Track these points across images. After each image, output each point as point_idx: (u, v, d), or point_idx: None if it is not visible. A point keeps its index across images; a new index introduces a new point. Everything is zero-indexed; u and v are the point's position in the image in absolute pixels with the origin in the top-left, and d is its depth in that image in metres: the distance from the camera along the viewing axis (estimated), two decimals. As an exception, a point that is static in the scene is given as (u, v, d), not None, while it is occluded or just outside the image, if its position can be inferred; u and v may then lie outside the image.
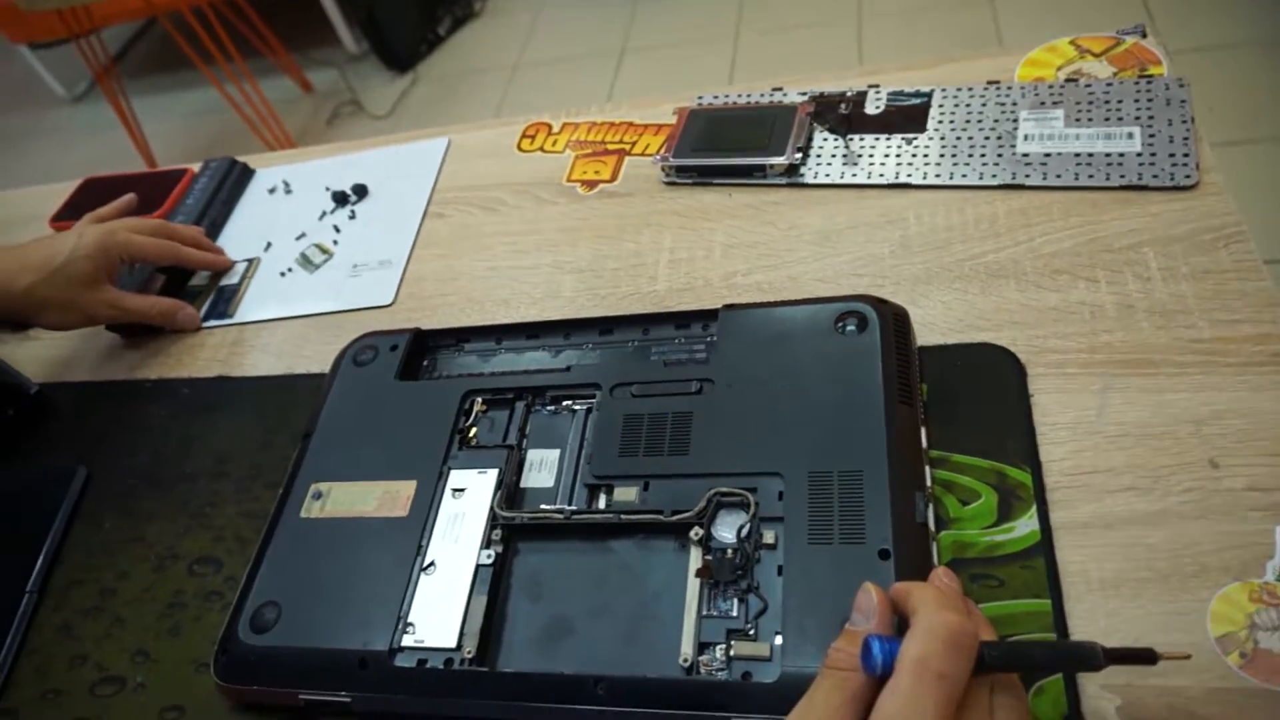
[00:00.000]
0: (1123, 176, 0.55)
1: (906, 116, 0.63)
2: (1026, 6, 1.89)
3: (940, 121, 0.62)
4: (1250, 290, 0.48)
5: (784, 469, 0.42)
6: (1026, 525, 0.42)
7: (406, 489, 0.47)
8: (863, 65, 0.65)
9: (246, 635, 0.44)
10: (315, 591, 0.45)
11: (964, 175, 0.58)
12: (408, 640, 0.42)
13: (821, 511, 0.40)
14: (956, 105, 0.62)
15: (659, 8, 2.34)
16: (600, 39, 2.31)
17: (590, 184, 0.68)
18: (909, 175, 0.60)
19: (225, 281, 0.71)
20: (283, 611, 0.45)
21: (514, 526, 0.45)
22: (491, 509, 0.46)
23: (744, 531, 0.41)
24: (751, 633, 0.39)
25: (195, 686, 0.48)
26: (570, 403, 0.50)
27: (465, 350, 0.55)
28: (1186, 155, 0.55)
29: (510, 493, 0.46)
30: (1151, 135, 0.56)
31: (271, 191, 0.78)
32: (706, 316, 0.51)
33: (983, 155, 0.59)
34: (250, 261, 0.73)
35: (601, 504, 0.45)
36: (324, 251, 0.71)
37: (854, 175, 0.61)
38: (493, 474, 0.47)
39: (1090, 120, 0.58)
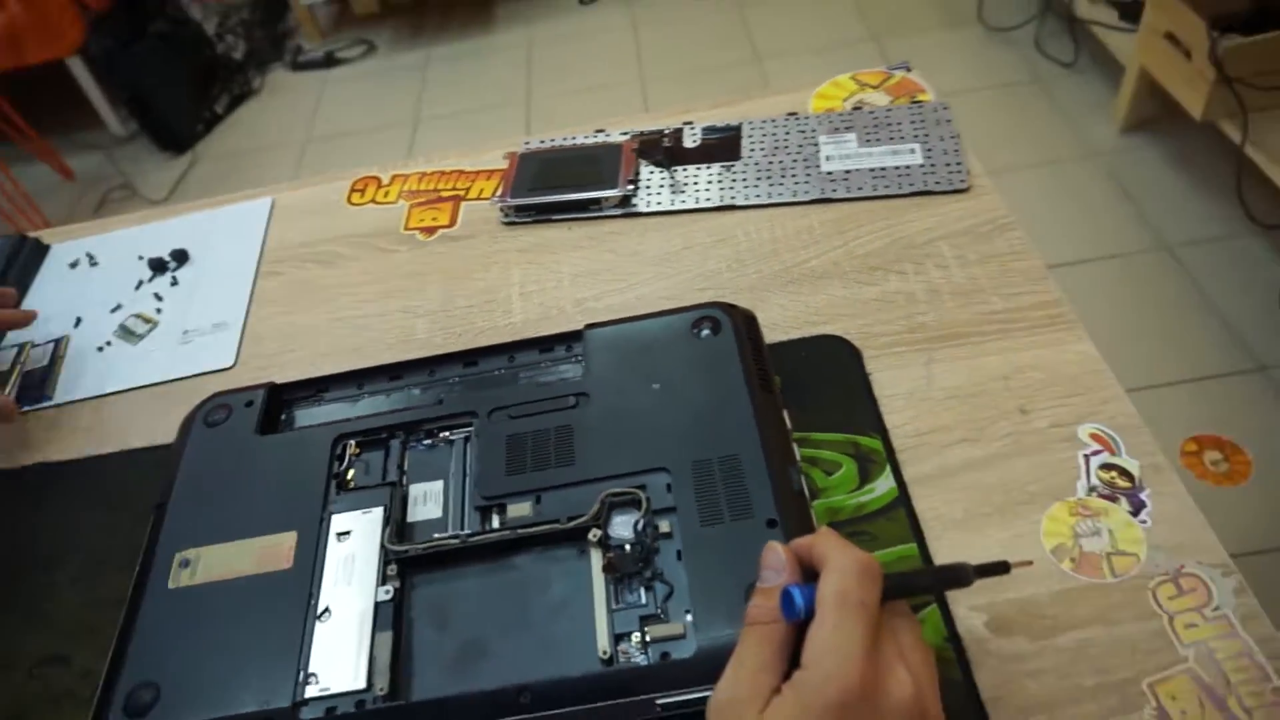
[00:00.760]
0: (912, 184, 0.63)
1: (721, 147, 0.69)
2: (790, 66, 2.09)
3: (752, 149, 0.68)
4: (1026, 268, 0.57)
5: (668, 464, 0.45)
6: (884, 484, 0.47)
7: (287, 540, 0.46)
8: (684, 91, 0.71)
9: (121, 721, 0.41)
10: (198, 662, 0.42)
11: (780, 194, 0.65)
12: (311, 691, 0.41)
13: (709, 496, 0.43)
14: (764, 135, 0.69)
15: (449, 76, 2.37)
16: (393, 110, 2.31)
17: (429, 230, 0.69)
18: (732, 198, 0.65)
19: (31, 365, 0.65)
20: (161, 690, 0.41)
21: (408, 559, 0.44)
22: (382, 545, 0.45)
23: (640, 526, 0.43)
24: (663, 616, 0.41)
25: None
26: (447, 434, 0.50)
27: (325, 400, 0.54)
28: (959, 164, 0.64)
29: (399, 527, 0.46)
30: (929, 150, 0.65)
31: (74, 265, 0.73)
32: (570, 338, 0.53)
33: (794, 175, 0.66)
34: (59, 341, 0.67)
35: (495, 523, 0.45)
36: (147, 321, 0.67)
37: (682, 201, 0.66)
38: (377, 512, 0.46)
39: (879, 140, 0.67)
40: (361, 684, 0.40)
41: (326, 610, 0.43)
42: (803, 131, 0.69)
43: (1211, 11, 1.38)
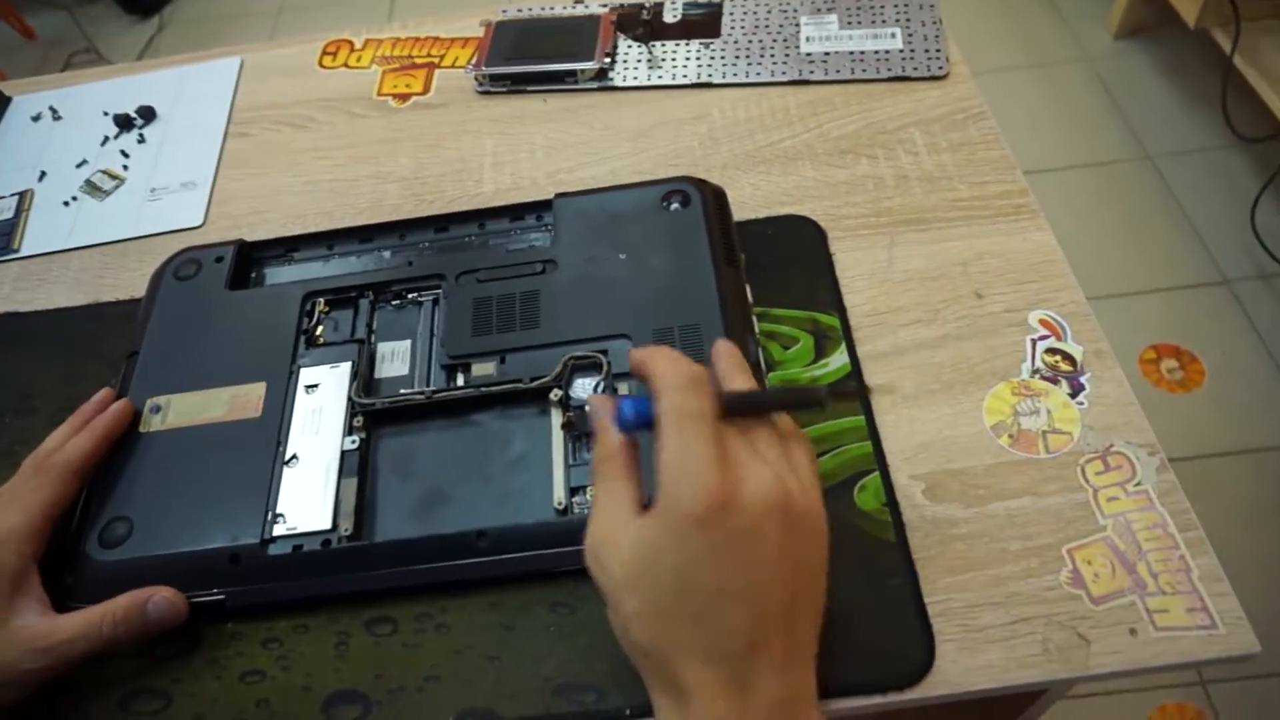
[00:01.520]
0: (890, 70, 0.63)
1: (702, 23, 0.68)
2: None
3: (732, 27, 0.67)
4: (995, 158, 0.57)
5: (630, 330, 0.46)
6: (839, 360, 0.49)
7: (256, 390, 0.47)
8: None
9: (96, 553, 0.43)
10: (169, 500, 0.44)
11: (758, 74, 0.64)
12: (279, 530, 0.43)
13: (668, 361, 0.45)
14: (745, 13, 0.68)
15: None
16: (370, -21, 2.21)
17: (403, 97, 0.68)
18: (709, 75, 0.65)
19: (-5, 217, 0.65)
20: (135, 525, 0.43)
21: (375, 412, 0.46)
22: (349, 398, 0.46)
23: (600, 388, 0.45)
24: (619, 471, 0.43)
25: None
26: (415, 295, 0.51)
27: (295, 259, 0.54)
28: (939, 51, 0.63)
29: (366, 382, 0.47)
30: (910, 35, 0.64)
31: (36, 119, 0.71)
32: (540, 207, 0.53)
33: (773, 56, 0.65)
34: (22, 194, 0.66)
35: (460, 382, 0.47)
36: (113, 178, 0.66)
37: (659, 77, 0.65)
38: (345, 367, 0.47)
39: (860, 23, 0.66)
40: (327, 524, 0.42)
41: (294, 457, 0.45)
42: (784, 11, 0.68)
43: (1217, -88, 1.34)
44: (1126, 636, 0.40)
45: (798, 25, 0.66)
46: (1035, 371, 0.48)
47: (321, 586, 0.42)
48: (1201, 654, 0.39)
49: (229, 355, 0.49)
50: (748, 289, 0.49)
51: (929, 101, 0.61)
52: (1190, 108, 1.57)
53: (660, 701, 0.33)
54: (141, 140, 0.68)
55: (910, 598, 0.41)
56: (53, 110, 0.72)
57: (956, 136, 0.59)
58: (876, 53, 0.64)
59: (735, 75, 0.64)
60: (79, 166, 0.67)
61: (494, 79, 0.66)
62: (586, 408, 0.38)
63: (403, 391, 0.46)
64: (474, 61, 0.67)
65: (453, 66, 0.69)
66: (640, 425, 0.35)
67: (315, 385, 0.47)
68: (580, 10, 0.70)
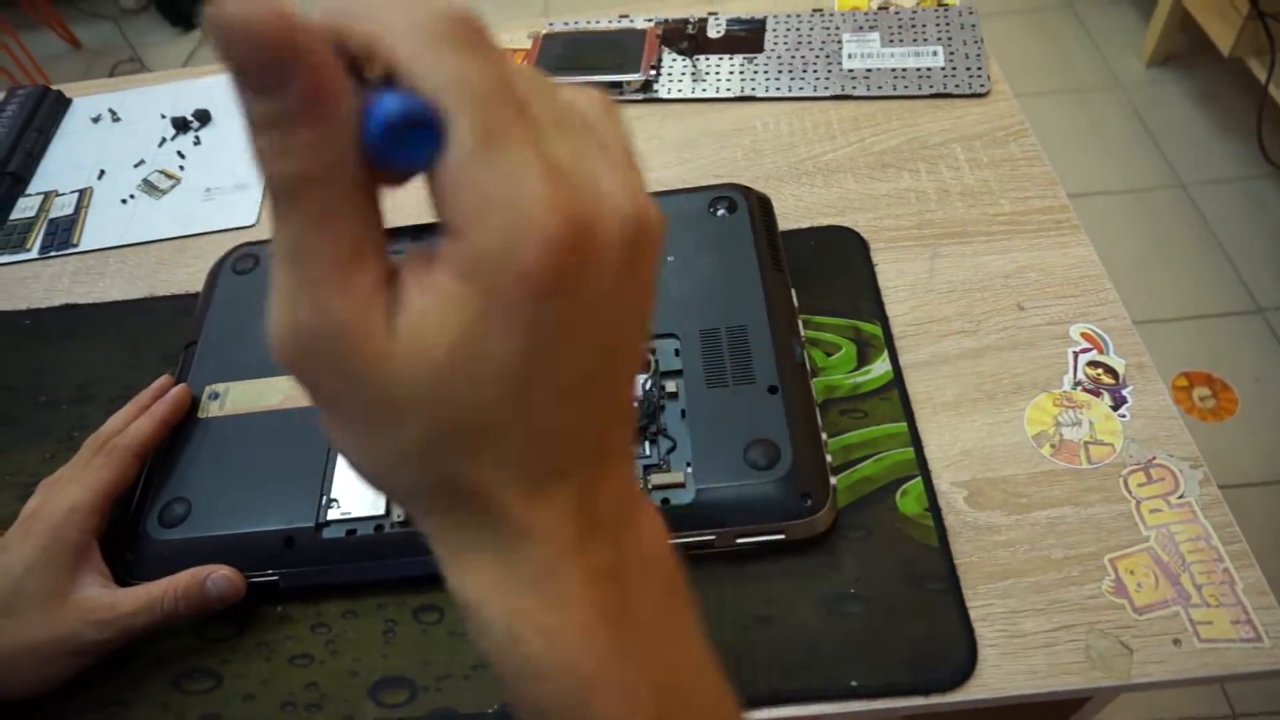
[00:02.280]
0: (931, 86, 0.64)
1: (745, 39, 0.69)
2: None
3: (775, 43, 0.69)
4: (1036, 174, 0.58)
5: (678, 330, 0.47)
6: (881, 367, 0.50)
7: (311, 381, 0.48)
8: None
9: (156, 531, 0.44)
10: (227, 483, 0.45)
11: (800, 88, 0.65)
12: (333, 514, 0.43)
13: (715, 361, 0.46)
14: (788, 30, 0.69)
15: (467, -33, 2.31)
16: (408, -3, 2.25)
17: (451, 104, 0.69)
18: (753, 89, 0.66)
19: (56, 213, 0.67)
20: (193, 506, 0.44)
21: (427, 405, 0.47)
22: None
23: (647, 385, 0.46)
24: (665, 466, 0.43)
25: (92, 601, 0.46)
26: (466, 293, 0.52)
27: (348, 257, 0.56)
28: (980, 69, 0.64)
29: (418, 376, 0.48)
30: (951, 53, 0.65)
31: (96, 120, 0.73)
32: (588, 210, 0.54)
33: (815, 71, 0.66)
34: (82, 192, 0.68)
35: (510, 377, 0.47)
36: (169, 177, 0.68)
37: (703, 90, 0.66)
38: (398, 361, 0.48)
39: (901, 41, 0.67)
40: (380, 510, 0.43)
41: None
42: (826, 28, 0.69)
43: (1253, -57, 1.35)
44: (1170, 647, 0.40)
45: (840, 42, 0.68)
46: (1077, 383, 0.49)
47: (373, 571, 0.43)
48: (1246, 667, 0.39)
49: (284, 347, 0.50)
50: (793, 293, 0.50)
51: (970, 118, 0.62)
52: (1224, 136, 1.57)
53: (461, 553, 0.21)
54: (197, 142, 0.70)
55: (952, 602, 0.42)
56: (112, 112, 0.74)
57: (998, 152, 0.59)
58: (918, 70, 0.65)
59: (778, 89, 0.65)
60: (137, 166, 0.69)
61: (542, 89, 0.68)
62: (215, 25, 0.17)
63: (453, 385, 0.47)
64: (522, 71, 0.69)
65: (501, 76, 0.71)
66: (399, 138, 0.17)
67: (368, 378, 0.48)
68: (626, 24, 0.72)
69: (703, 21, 0.71)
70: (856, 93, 0.64)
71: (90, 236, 0.65)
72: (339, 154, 0.17)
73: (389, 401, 0.19)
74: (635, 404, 0.25)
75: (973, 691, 0.39)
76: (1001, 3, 1.87)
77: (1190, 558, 0.43)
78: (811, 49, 0.68)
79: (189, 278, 0.61)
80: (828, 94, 0.65)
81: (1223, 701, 1.03)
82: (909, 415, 0.48)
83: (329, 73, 0.17)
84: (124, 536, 0.44)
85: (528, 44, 0.71)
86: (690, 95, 0.66)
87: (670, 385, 0.46)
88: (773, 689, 0.40)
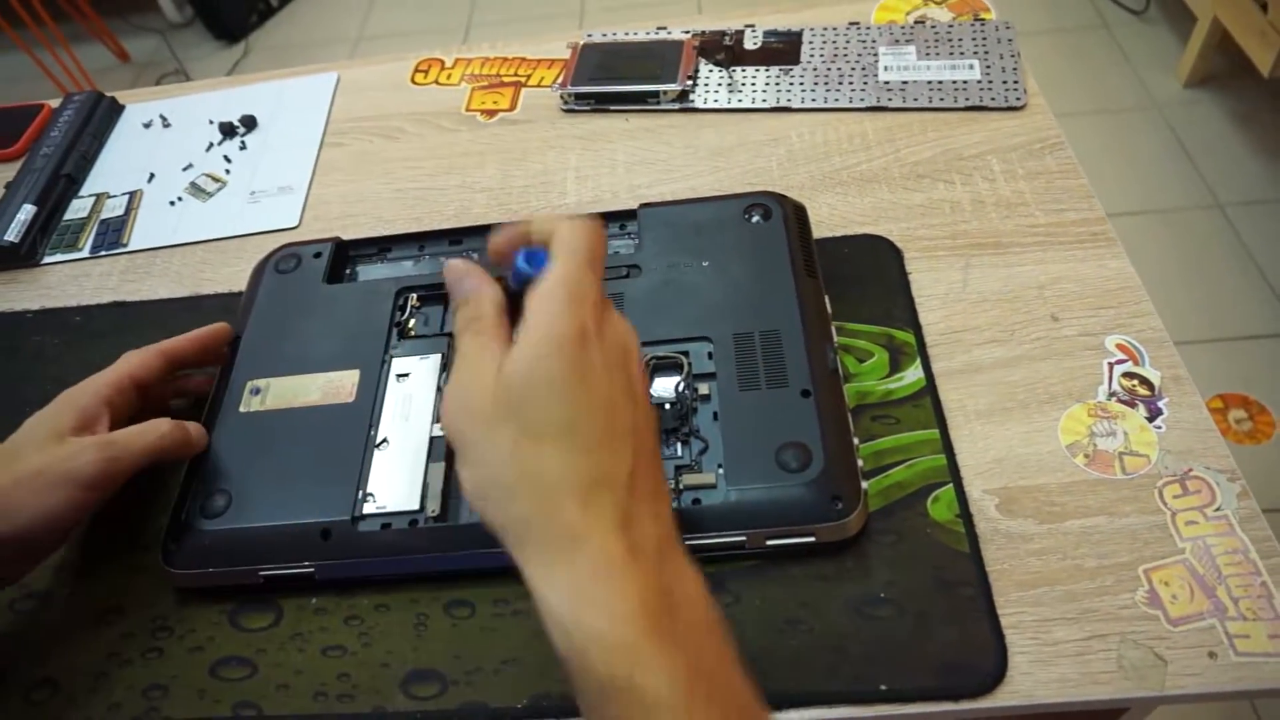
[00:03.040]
0: (967, 99, 0.64)
1: (782, 51, 0.70)
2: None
3: (811, 55, 0.69)
4: (1072, 186, 0.58)
5: (711, 333, 0.47)
6: (914, 374, 0.50)
7: (350, 378, 0.49)
8: (738, 8, 0.72)
9: (198, 522, 0.45)
10: (267, 476, 0.46)
11: (836, 99, 0.66)
12: (369, 508, 0.44)
13: (748, 365, 0.46)
14: (824, 42, 0.70)
15: (503, -17, 2.35)
16: (446, 14, 2.29)
17: (490, 113, 0.71)
18: (788, 100, 0.66)
19: (107, 214, 0.69)
20: (233, 497, 0.45)
21: (462, 403, 0.47)
22: (439, 388, 0.48)
23: (680, 387, 0.46)
24: (697, 467, 0.44)
25: (134, 588, 0.47)
26: (503, 295, 0.53)
27: (388, 257, 0.57)
28: (1016, 82, 0.64)
29: (455, 375, 0.49)
30: (988, 66, 0.66)
31: (147, 125, 0.76)
32: (625, 216, 0.55)
33: (851, 83, 0.67)
34: (133, 194, 0.70)
35: (545, 377, 0.48)
36: (216, 180, 0.70)
37: (739, 100, 0.67)
38: (435, 358, 0.49)
39: (937, 54, 0.67)
40: (415, 505, 0.44)
41: (385, 440, 0.47)
42: (863, 41, 0.69)
43: (1294, -37, 1.34)
44: (1206, 659, 0.39)
45: (876, 55, 0.68)
46: (1112, 394, 0.48)
47: (407, 564, 0.43)
48: (1284, 681, 0.39)
49: (325, 344, 0.51)
50: (826, 300, 0.50)
51: (1006, 130, 0.62)
52: (1264, 157, 1.55)
53: (537, 559, 0.30)
54: (243, 147, 0.72)
55: (983, 608, 0.41)
56: (162, 118, 0.76)
57: (1034, 165, 0.59)
58: (954, 82, 0.65)
59: (813, 101, 0.66)
60: (185, 170, 0.71)
61: (579, 98, 0.69)
62: (446, 274, 0.37)
63: (489, 384, 0.48)
64: (560, 80, 0.70)
65: (539, 86, 0.72)
66: (530, 279, 0.34)
67: (406, 374, 0.49)
68: (663, 35, 0.73)
69: (739, 33, 0.72)
70: (892, 104, 0.65)
71: (139, 237, 0.67)
72: (488, 307, 0.35)
73: (495, 415, 0.31)
74: (667, 485, 0.35)
75: (1002, 698, 0.39)
76: (1036, 22, 1.87)
77: (1227, 571, 0.42)
78: (847, 61, 0.68)
79: (233, 277, 0.62)
80: (863, 105, 0.65)
81: (1252, 717, 1.01)
82: (941, 422, 0.48)
83: (482, 277, 0.36)
84: (168, 527, 0.45)
85: (566, 54, 0.72)
86: (726, 105, 0.67)
87: (703, 387, 0.46)
88: (801, 691, 0.40)
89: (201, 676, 0.44)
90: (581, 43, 0.72)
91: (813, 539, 0.42)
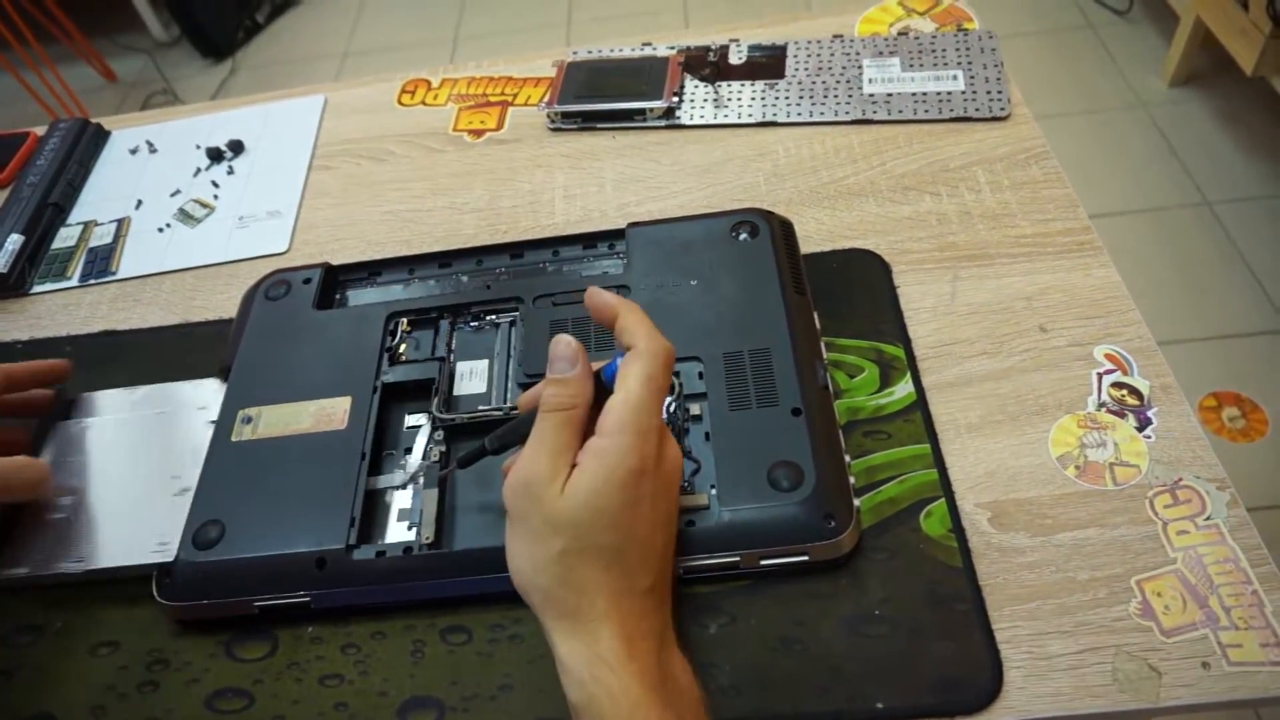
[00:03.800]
0: (952, 110, 0.64)
1: (766, 65, 0.70)
2: (836, -1, 2.06)
3: (796, 69, 0.70)
4: (1057, 196, 0.58)
5: (701, 353, 0.48)
6: (904, 389, 0.50)
7: (341, 404, 0.49)
8: (726, 21, 0.72)
9: (190, 554, 0.45)
10: (259, 506, 0.46)
11: (821, 113, 0.66)
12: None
13: (738, 384, 0.46)
14: (809, 55, 0.70)
15: (490, -5, 2.36)
16: (432, 27, 2.30)
17: (477, 133, 0.71)
18: (774, 114, 0.67)
19: (95, 242, 0.69)
20: (226, 528, 0.45)
21: (454, 427, 0.48)
22: (431, 413, 0.48)
23: (671, 408, 0.46)
24: (689, 488, 0.44)
25: (128, 620, 0.47)
26: (493, 317, 0.53)
27: (378, 282, 0.57)
28: (1000, 92, 0.65)
29: (446, 399, 0.49)
30: (972, 77, 0.66)
31: (134, 151, 0.76)
32: (613, 236, 0.55)
33: (836, 96, 0.67)
34: (120, 221, 0.70)
35: (536, 400, 0.48)
36: (204, 206, 0.70)
37: (725, 116, 0.67)
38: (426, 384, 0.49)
39: (921, 66, 0.68)
40: (409, 533, 0.44)
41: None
42: (847, 54, 0.70)
43: (1275, -38, 1.35)
44: (1199, 670, 0.40)
45: (860, 68, 0.68)
46: (1101, 405, 0.49)
47: (403, 592, 0.43)
48: (1277, 690, 0.39)
49: (316, 370, 0.51)
50: (815, 316, 0.51)
51: (991, 141, 0.62)
52: (1249, 155, 1.56)
53: (562, 627, 0.36)
54: (231, 172, 0.72)
55: (977, 623, 0.42)
56: (149, 144, 0.76)
57: (1019, 175, 0.60)
58: (939, 94, 0.65)
59: (799, 115, 0.66)
60: (173, 196, 0.71)
61: (565, 116, 0.69)
62: (554, 347, 0.38)
63: (481, 408, 0.48)
64: (546, 99, 0.70)
65: (525, 104, 0.72)
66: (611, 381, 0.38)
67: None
68: (648, 51, 0.73)
69: (724, 49, 0.72)
70: (877, 117, 0.65)
71: (128, 264, 0.66)
72: (581, 400, 0.37)
73: (551, 523, 0.35)
74: (673, 584, 0.40)
75: (998, 714, 0.39)
76: (1021, 24, 1.88)
77: (1219, 580, 0.42)
78: (832, 74, 0.69)
79: (223, 303, 0.62)
80: (848, 119, 0.65)
81: (1258, 728, 1.01)
82: (932, 437, 0.48)
83: (586, 372, 0.38)
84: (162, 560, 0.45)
85: (552, 72, 0.73)
86: (712, 121, 0.67)
87: (694, 408, 0.46)
88: (797, 710, 0.40)
89: (198, 709, 0.44)
90: (567, 61, 0.73)
91: (806, 558, 0.42)
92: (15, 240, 0.67)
